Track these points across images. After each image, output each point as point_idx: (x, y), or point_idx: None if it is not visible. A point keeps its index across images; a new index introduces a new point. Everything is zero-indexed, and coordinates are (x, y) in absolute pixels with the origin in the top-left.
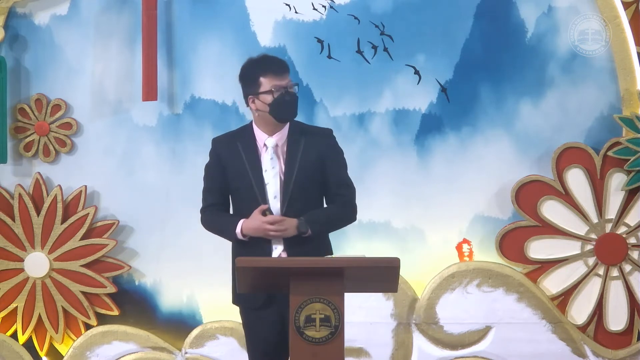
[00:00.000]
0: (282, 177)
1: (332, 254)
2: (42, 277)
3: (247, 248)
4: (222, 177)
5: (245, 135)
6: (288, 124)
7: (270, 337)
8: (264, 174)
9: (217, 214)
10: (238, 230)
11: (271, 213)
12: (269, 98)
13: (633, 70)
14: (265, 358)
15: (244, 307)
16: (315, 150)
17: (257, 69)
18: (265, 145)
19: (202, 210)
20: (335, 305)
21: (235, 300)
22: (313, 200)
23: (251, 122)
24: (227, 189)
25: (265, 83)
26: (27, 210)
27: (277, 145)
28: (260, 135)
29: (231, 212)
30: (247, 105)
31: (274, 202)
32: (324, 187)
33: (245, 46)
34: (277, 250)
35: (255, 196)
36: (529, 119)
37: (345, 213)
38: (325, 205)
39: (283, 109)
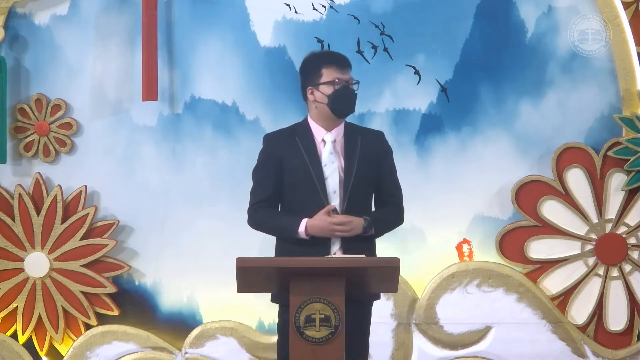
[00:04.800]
0: (342, 173)
1: (375, 254)
2: (42, 277)
3: (303, 246)
4: (277, 172)
5: (302, 130)
6: (343, 122)
7: None
8: (324, 169)
9: (271, 213)
10: (301, 229)
11: (337, 213)
12: (329, 89)
13: (633, 70)
14: None
15: (281, 305)
16: (373, 150)
17: (320, 60)
18: (323, 140)
19: (252, 207)
20: (335, 305)
21: (273, 298)
22: (367, 198)
23: (306, 118)
24: (281, 185)
25: (327, 74)
26: (27, 210)
27: (335, 141)
28: (318, 130)
29: (280, 208)
30: (305, 98)
31: (333, 197)
32: (376, 187)
33: (245, 46)
34: (334, 247)
35: (316, 191)
36: (529, 119)
37: (399, 215)
38: (374, 206)
39: (342, 102)
